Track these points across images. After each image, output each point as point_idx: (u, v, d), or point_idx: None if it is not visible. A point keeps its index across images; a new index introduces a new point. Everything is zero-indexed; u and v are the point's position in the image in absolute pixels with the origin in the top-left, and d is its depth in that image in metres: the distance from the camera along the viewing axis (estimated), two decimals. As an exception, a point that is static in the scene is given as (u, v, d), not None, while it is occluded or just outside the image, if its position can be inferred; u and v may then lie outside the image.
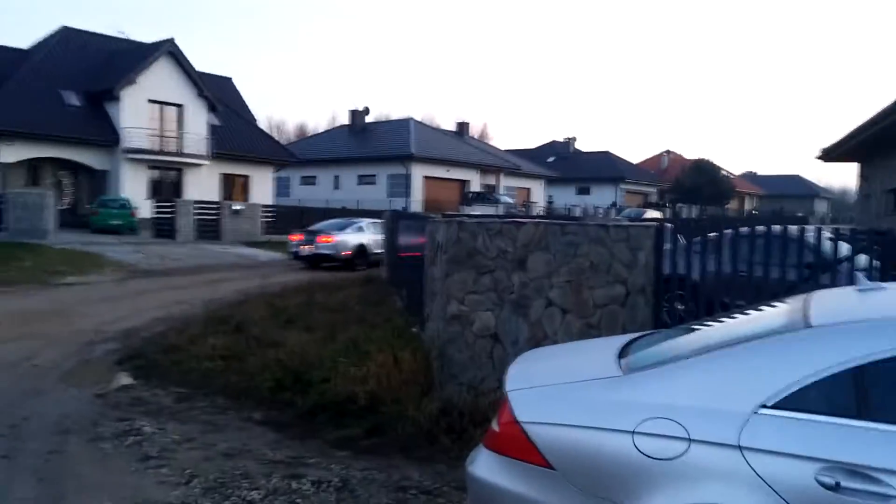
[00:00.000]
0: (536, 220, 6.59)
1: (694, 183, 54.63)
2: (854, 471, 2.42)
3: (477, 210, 36.56)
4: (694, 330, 3.48)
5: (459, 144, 47.80)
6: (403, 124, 46.80)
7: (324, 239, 19.70)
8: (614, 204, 52.64)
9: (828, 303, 3.18)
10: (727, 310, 5.54)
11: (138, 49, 33.15)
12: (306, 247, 19.92)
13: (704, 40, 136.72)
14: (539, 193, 52.69)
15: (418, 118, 51.92)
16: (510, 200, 42.74)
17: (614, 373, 3.06)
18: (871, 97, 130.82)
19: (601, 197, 56.15)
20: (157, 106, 31.62)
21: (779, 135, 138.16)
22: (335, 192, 43.35)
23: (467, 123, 56.59)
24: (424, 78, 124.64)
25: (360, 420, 5.75)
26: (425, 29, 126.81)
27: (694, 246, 6.97)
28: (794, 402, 2.59)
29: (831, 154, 18.46)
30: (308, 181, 46.50)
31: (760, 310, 3.46)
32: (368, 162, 43.30)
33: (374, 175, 43.22)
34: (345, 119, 53.54)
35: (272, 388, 6.55)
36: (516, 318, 6.24)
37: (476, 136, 64.97)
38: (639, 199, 59.38)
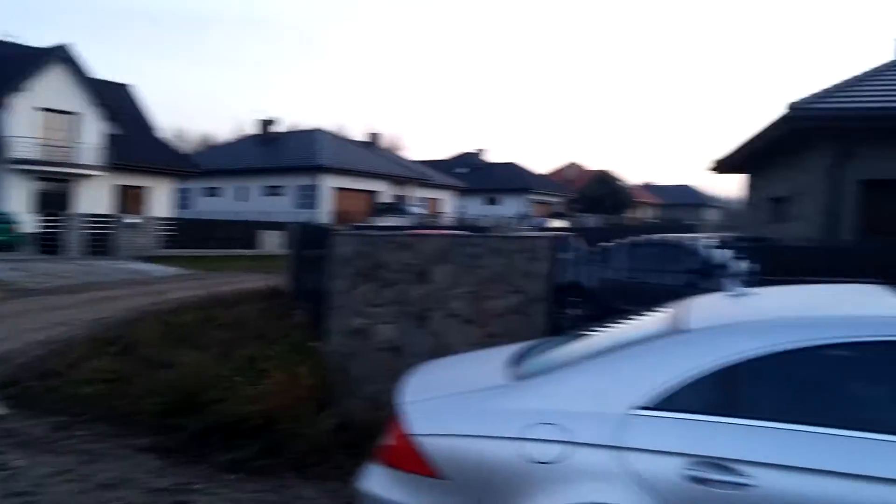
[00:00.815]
0: (441, 232, 6.58)
1: (596, 193, 56.56)
2: (718, 464, 2.55)
3: (388, 221, 36.48)
4: (583, 337, 3.54)
5: (370, 155, 47.62)
6: (313, 135, 46.19)
7: None
8: (521, 214, 53.67)
9: (703, 308, 3.31)
10: (623, 315, 5.69)
11: (30, 54, 31.25)
12: None
13: (606, 54, 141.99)
14: (450, 204, 53.10)
15: (329, 129, 51.39)
16: (421, 211, 42.85)
17: (505, 381, 3.12)
18: (761, 110, 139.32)
19: (510, 207, 57.14)
20: (47, 114, 29.93)
21: (674, 146, 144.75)
22: (240, 204, 42.26)
23: (378, 134, 56.49)
24: (336, 88, 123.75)
25: (253, 441, 5.50)
26: (336, 37, 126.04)
27: (593, 255, 7.13)
28: (669, 402, 2.72)
29: (722, 165, 19.42)
30: (212, 193, 45.10)
31: (644, 316, 3.57)
32: (276, 173, 42.44)
33: (282, 186, 42.40)
34: (253, 129, 52.36)
35: (161, 412, 6.18)
36: (418, 330, 6.21)
37: (387, 147, 64.96)
38: (545, 210, 60.81)
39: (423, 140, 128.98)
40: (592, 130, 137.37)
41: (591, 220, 51.81)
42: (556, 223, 42.64)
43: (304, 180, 41.13)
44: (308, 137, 45.90)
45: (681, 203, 79.89)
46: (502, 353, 3.60)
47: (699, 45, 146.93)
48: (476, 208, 56.44)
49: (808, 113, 12.06)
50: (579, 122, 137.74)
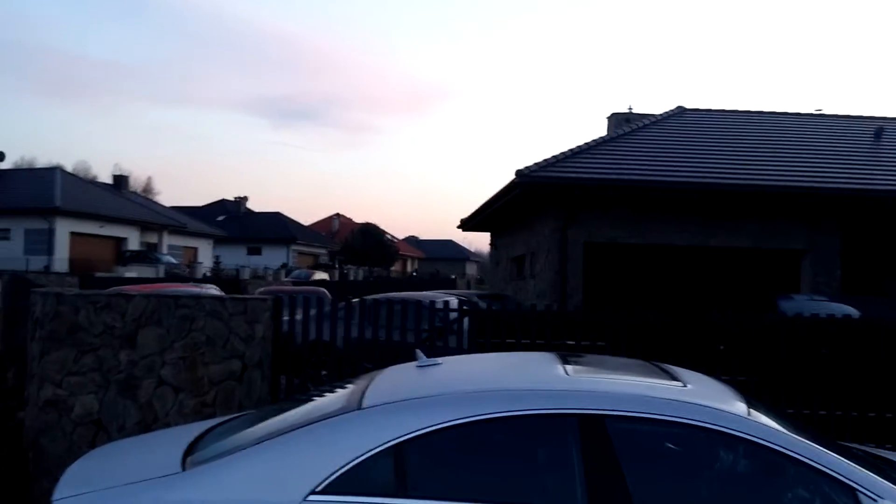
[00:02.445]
0: (148, 293, 6.07)
1: (362, 246, 57.15)
2: None
3: (134, 271, 33.77)
4: (274, 413, 3.33)
5: (116, 199, 43.89)
6: (47, 173, 41.60)
7: None
8: (285, 265, 52.62)
9: (385, 382, 3.26)
10: (329, 384, 5.62)
11: None
12: None
13: (365, 110, 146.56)
14: (207, 253, 50.49)
15: (69, 168, 46.72)
16: (174, 261, 40.25)
17: (175, 469, 2.82)
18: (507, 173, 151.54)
19: (273, 258, 55.72)
20: None
21: (437, 202, 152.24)
22: (-49, 249, 36.50)
23: (126, 177, 52.46)
24: (79, 125, 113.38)
25: None
26: (81, 69, 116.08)
27: (341, 311, 7.02)
28: (341, 485, 2.61)
29: (468, 224, 20.62)
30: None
31: (335, 390, 3.44)
32: (0, 214, 37.32)
33: (7, 229, 37.36)
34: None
35: None
36: (123, 401, 5.65)
37: (139, 191, 60.55)
38: (310, 261, 60.21)
39: (179, 185, 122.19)
40: (358, 183, 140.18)
41: (356, 272, 52.19)
42: (321, 275, 42.41)
43: (35, 223, 36.66)
44: (41, 176, 41.21)
45: (444, 257, 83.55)
46: (183, 435, 3.29)
47: (459, 102, 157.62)
48: (237, 258, 54.22)
49: (532, 180, 13.21)
50: (345, 175, 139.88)
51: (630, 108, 20.67)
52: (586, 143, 15.45)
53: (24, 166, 50.59)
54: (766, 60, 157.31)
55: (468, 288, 42.72)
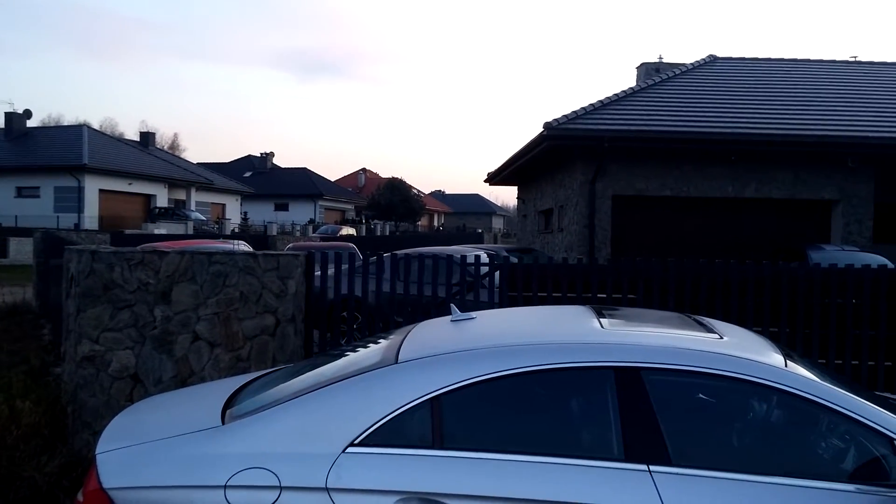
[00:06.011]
0: (182, 249, 6.11)
1: (388, 201, 57.17)
2: (427, 499, 2.50)
3: (163, 228, 34.20)
4: (310, 368, 3.35)
5: (144, 156, 44.22)
6: (75, 131, 41.92)
7: None
8: (312, 220, 52.92)
9: (420, 336, 3.25)
10: (364, 337, 5.66)
11: None
12: None
13: (391, 64, 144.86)
14: (234, 209, 50.92)
15: (96, 125, 47.04)
16: (202, 217, 40.67)
17: (215, 423, 2.85)
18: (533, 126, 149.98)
19: (300, 213, 56.03)
20: None
21: (462, 156, 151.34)
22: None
23: (153, 133, 52.70)
24: (105, 81, 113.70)
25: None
26: (106, 25, 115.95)
27: (370, 266, 7.05)
28: (379, 437, 2.64)
29: (495, 178, 20.49)
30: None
31: (369, 344, 3.45)
32: (30, 172, 37.78)
33: (37, 187, 37.89)
34: None
35: None
36: (159, 356, 5.74)
37: (165, 148, 60.99)
38: (337, 216, 60.47)
39: (206, 141, 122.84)
40: (384, 138, 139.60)
41: (383, 227, 52.33)
42: (348, 230, 42.63)
43: (64, 181, 37.07)
44: (69, 133, 41.51)
45: (470, 211, 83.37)
46: (222, 389, 3.32)
47: (485, 55, 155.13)
48: (264, 214, 54.62)
49: (560, 133, 13.02)
50: (371, 129, 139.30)
51: (660, 58, 20.16)
52: (615, 95, 15.18)
53: (51, 124, 51.08)
54: (800, 6, 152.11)
55: (495, 242, 42.72)
